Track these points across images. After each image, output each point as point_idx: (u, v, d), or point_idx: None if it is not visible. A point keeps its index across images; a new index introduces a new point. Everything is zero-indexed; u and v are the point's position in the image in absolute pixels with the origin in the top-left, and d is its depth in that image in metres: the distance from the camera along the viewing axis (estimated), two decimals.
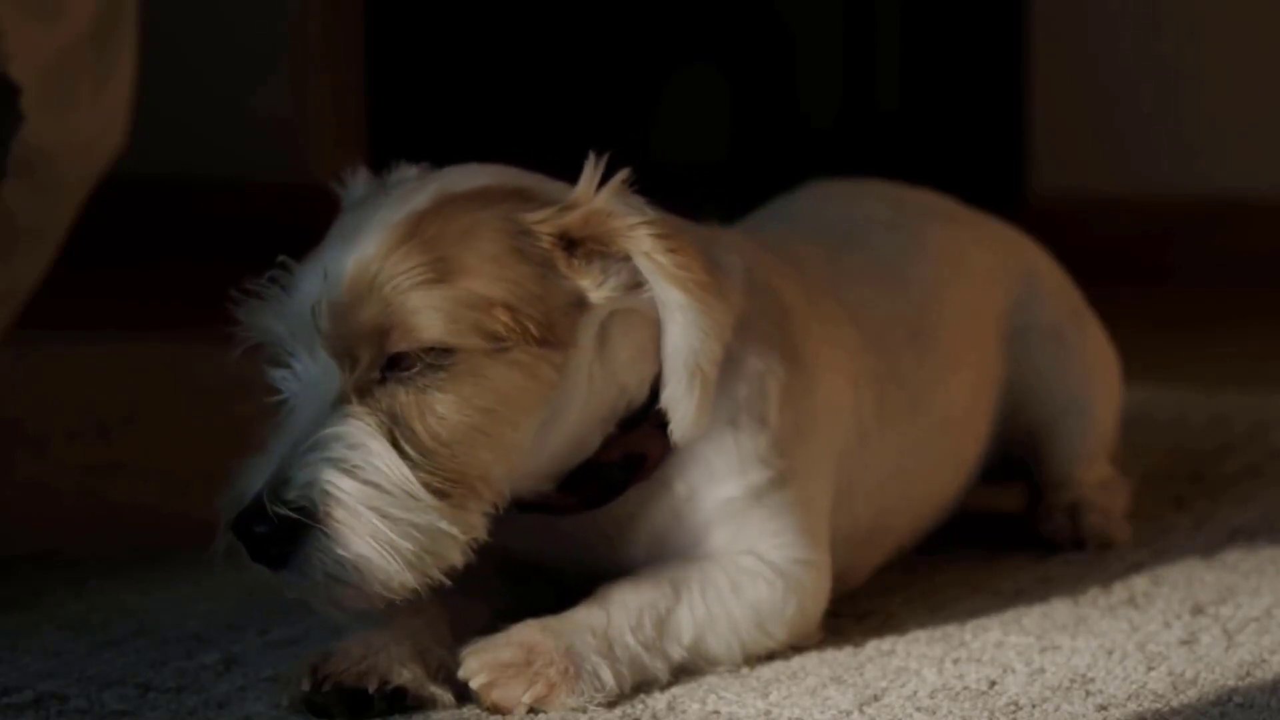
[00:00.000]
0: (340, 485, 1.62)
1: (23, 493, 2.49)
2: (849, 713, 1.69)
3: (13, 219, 2.16)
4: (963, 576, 2.09)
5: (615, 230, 1.71)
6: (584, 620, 1.72)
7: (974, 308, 2.16)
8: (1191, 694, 1.73)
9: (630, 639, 1.72)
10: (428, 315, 1.65)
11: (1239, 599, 2.00)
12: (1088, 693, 1.74)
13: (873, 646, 1.86)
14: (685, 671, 1.77)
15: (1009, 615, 1.96)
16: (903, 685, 1.76)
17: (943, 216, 2.25)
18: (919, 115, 4.69)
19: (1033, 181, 4.48)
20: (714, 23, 4.76)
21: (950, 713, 1.69)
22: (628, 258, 1.71)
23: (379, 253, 1.67)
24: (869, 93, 4.72)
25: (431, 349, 1.66)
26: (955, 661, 1.82)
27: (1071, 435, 2.24)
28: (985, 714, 1.69)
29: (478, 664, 1.68)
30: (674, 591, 1.76)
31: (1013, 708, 1.70)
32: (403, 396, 1.66)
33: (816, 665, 1.80)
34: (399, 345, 1.66)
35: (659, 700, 1.72)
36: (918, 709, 1.70)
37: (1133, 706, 1.70)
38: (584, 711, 1.68)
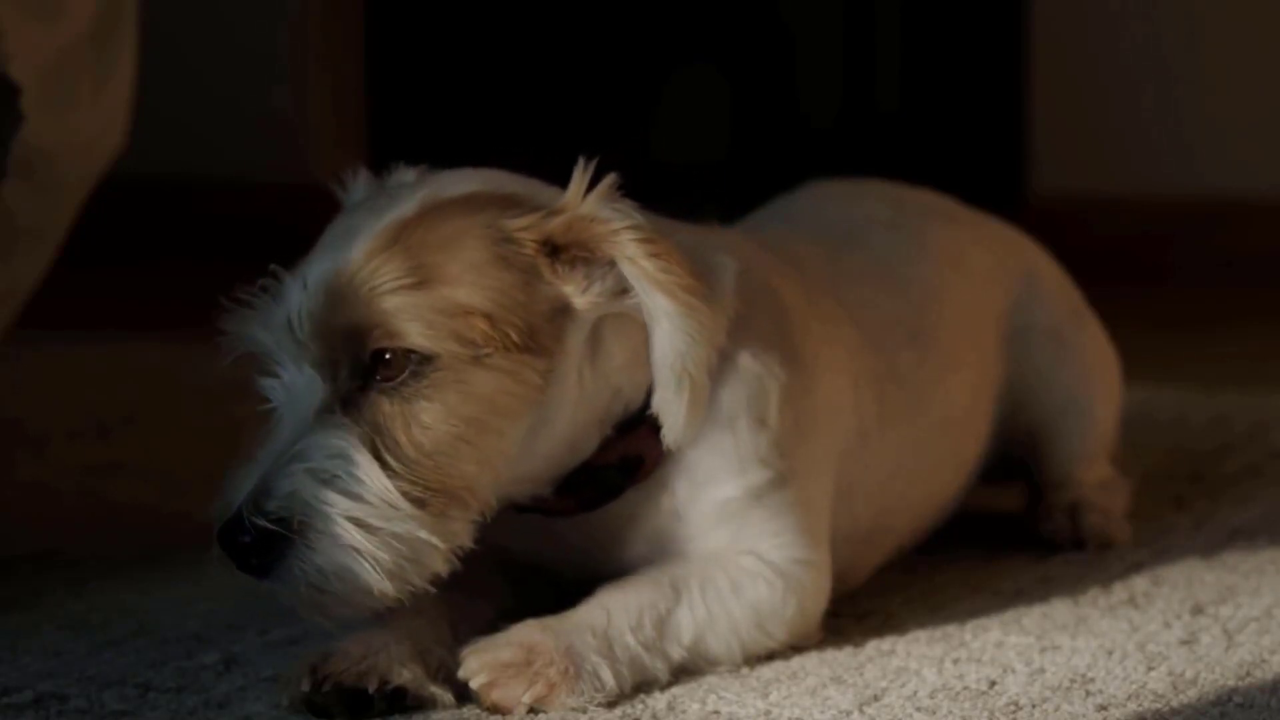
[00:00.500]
0: (320, 496, 1.63)
1: (23, 493, 2.49)
2: (849, 713, 1.69)
3: (13, 219, 2.16)
4: (963, 576, 2.09)
5: (599, 236, 1.70)
6: (584, 620, 1.72)
7: (974, 308, 2.16)
8: (1191, 694, 1.73)
9: (630, 639, 1.72)
10: (405, 321, 1.66)
11: (1239, 599, 2.00)
12: (1088, 693, 1.74)
13: (873, 646, 1.86)
14: (685, 671, 1.77)
15: (1009, 615, 1.96)
16: (903, 685, 1.76)
17: (943, 216, 2.25)
18: (919, 115, 4.69)
19: (1033, 181, 4.48)
20: (714, 23, 4.77)
21: (950, 713, 1.69)
22: (613, 263, 1.71)
23: (359, 260, 1.68)
24: (869, 93, 4.72)
25: (412, 356, 1.66)
26: (955, 661, 1.82)
27: (1071, 435, 2.24)
28: (985, 714, 1.69)
29: (478, 664, 1.68)
30: (674, 592, 1.76)
31: (1013, 708, 1.70)
32: (386, 406, 1.67)
33: (816, 665, 1.80)
34: (376, 351, 1.66)
35: (659, 700, 1.72)
36: (918, 709, 1.70)
37: (1133, 706, 1.70)
38: (584, 711, 1.68)
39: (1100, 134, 4.45)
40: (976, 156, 4.58)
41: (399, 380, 1.66)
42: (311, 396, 1.68)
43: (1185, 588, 2.04)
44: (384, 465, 1.65)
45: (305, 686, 1.67)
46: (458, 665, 1.70)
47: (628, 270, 1.70)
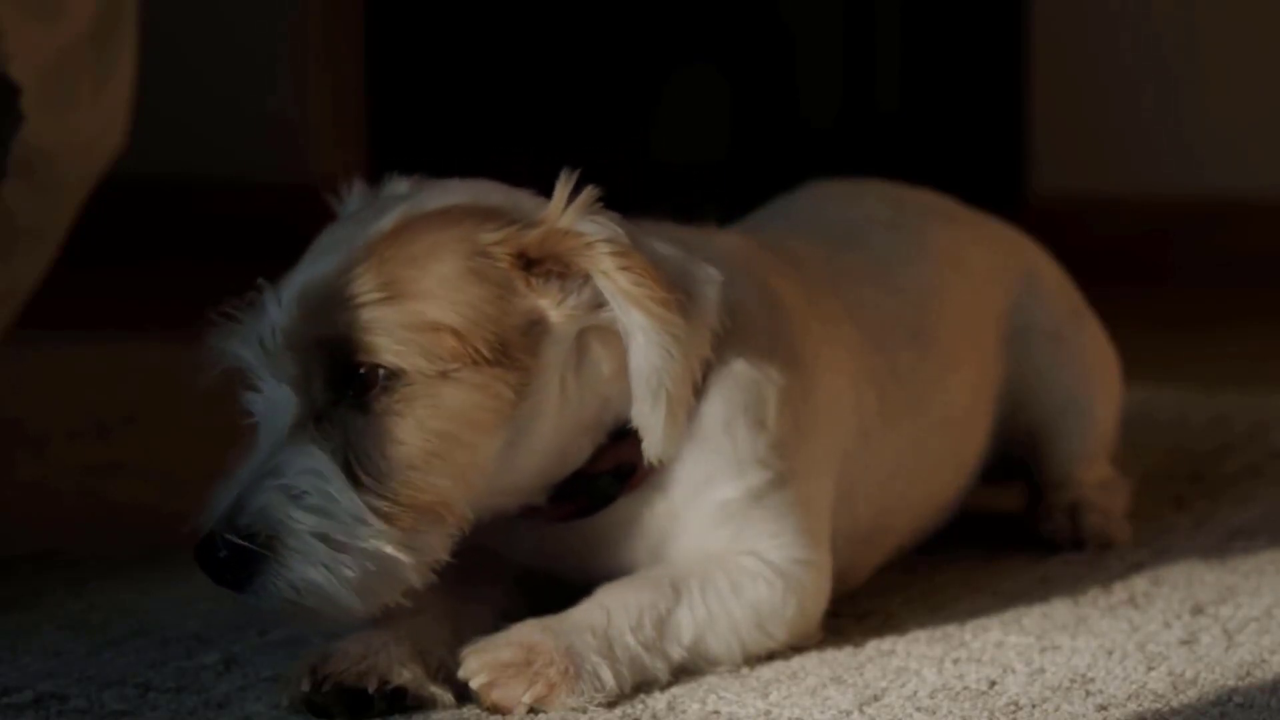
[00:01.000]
0: (290, 513, 1.64)
1: (23, 493, 2.49)
2: (849, 713, 1.69)
3: (13, 219, 2.16)
4: (963, 576, 2.09)
5: (573, 249, 1.70)
6: (584, 620, 1.72)
7: (974, 307, 2.16)
8: (1191, 694, 1.73)
9: (630, 639, 1.72)
10: (374, 337, 1.66)
11: (1239, 599, 2.00)
12: (1088, 693, 1.74)
13: (873, 646, 1.86)
14: (685, 671, 1.77)
15: (1009, 615, 1.96)
16: (903, 685, 1.76)
17: (943, 216, 2.25)
18: (919, 115, 4.69)
19: (1033, 181, 4.48)
20: (714, 23, 4.77)
21: (950, 713, 1.69)
22: (589, 276, 1.71)
23: (332, 274, 1.69)
24: (869, 93, 4.72)
25: (383, 371, 1.66)
26: (955, 661, 1.82)
27: (1071, 435, 2.24)
28: (985, 714, 1.69)
29: (478, 664, 1.68)
30: (674, 592, 1.76)
31: (1013, 708, 1.70)
32: (359, 421, 1.67)
33: (816, 665, 1.80)
34: (347, 366, 1.67)
35: (659, 700, 1.72)
36: (918, 709, 1.70)
37: (1133, 706, 1.70)
38: (584, 711, 1.68)
39: (1100, 134, 4.45)
40: (976, 156, 4.58)
41: (371, 395, 1.67)
42: (287, 411, 1.69)
43: (1185, 588, 2.04)
44: (355, 481, 1.66)
45: (305, 686, 1.67)
46: (458, 665, 1.70)
47: (602, 284, 1.70)
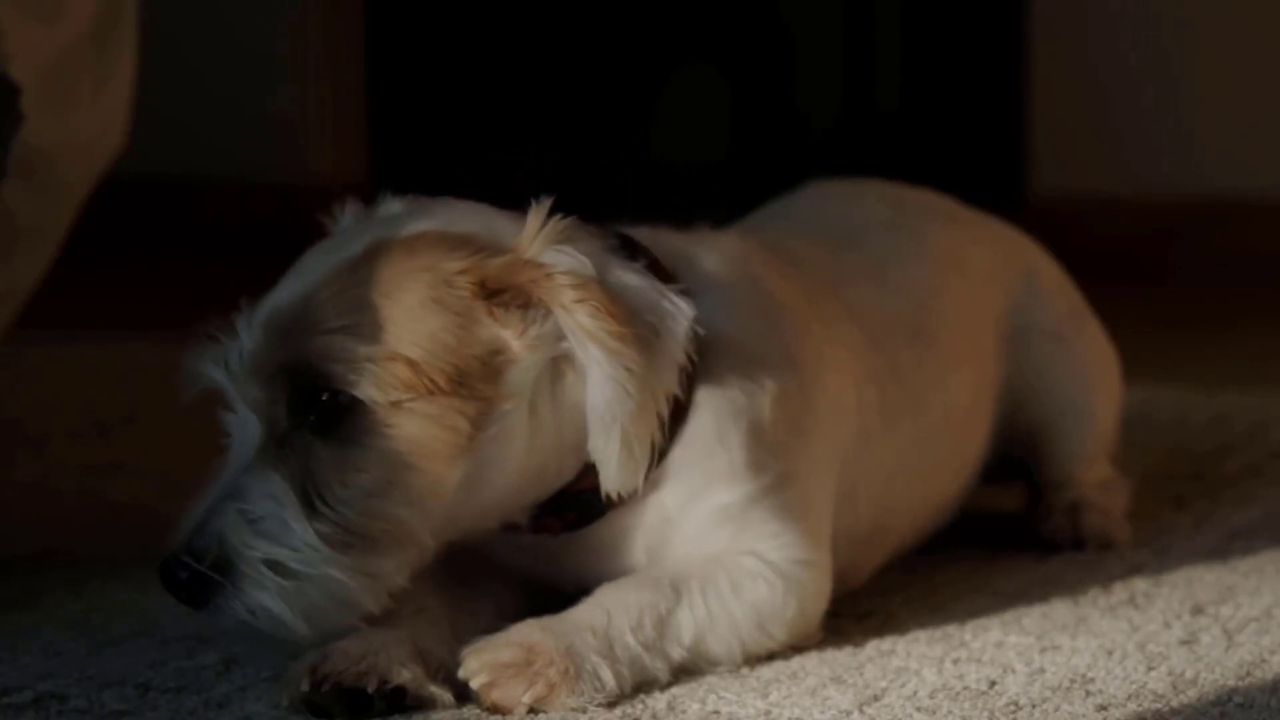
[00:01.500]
0: (245, 539, 1.67)
1: (23, 493, 2.49)
2: (849, 713, 1.69)
3: (13, 219, 2.16)
4: (963, 576, 2.09)
5: (533, 280, 1.70)
6: (584, 620, 1.72)
7: (974, 307, 2.16)
8: (1191, 694, 1.73)
9: (630, 639, 1.72)
10: (332, 365, 1.67)
11: (1239, 599, 2.00)
12: (1088, 693, 1.74)
13: (873, 646, 1.86)
14: (685, 671, 1.77)
15: (1009, 615, 1.96)
16: (903, 685, 1.76)
17: (943, 216, 2.25)
18: (919, 115, 4.69)
19: (1033, 181, 4.47)
20: (714, 23, 4.77)
21: (950, 713, 1.69)
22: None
23: (298, 300, 1.70)
24: (869, 93, 4.72)
25: (342, 398, 1.67)
26: (955, 661, 1.82)
27: (1071, 435, 2.24)
28: (985, 714, 1.69)
29: (478, 664, 1.68)
30: (674, 592, 1.76)
31: (1013, 708, 1.70)
32: (319, 448, 1.69)
33: (816, 665, 1.80)
34: (309, 392, 1.68)
35: (659, 700, 1.72)
36: (918, 709, 1.70)
37: (1133, 706, 1.70)
38: (584, 711, 1.68)
39: (1100, 134, 4.44)
40: (976, 156, 4.58)
41: (331, 423, 1.68)
42: (253, 435, 1.70)
43: (1185, 588, 2.04)
44: (312, 508, 1.68)
45: (305, 686, 1.67)
46: (458, 665, 1.70)
47: (560, 317, 1.69)
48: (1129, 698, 1.72)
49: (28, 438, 2.76)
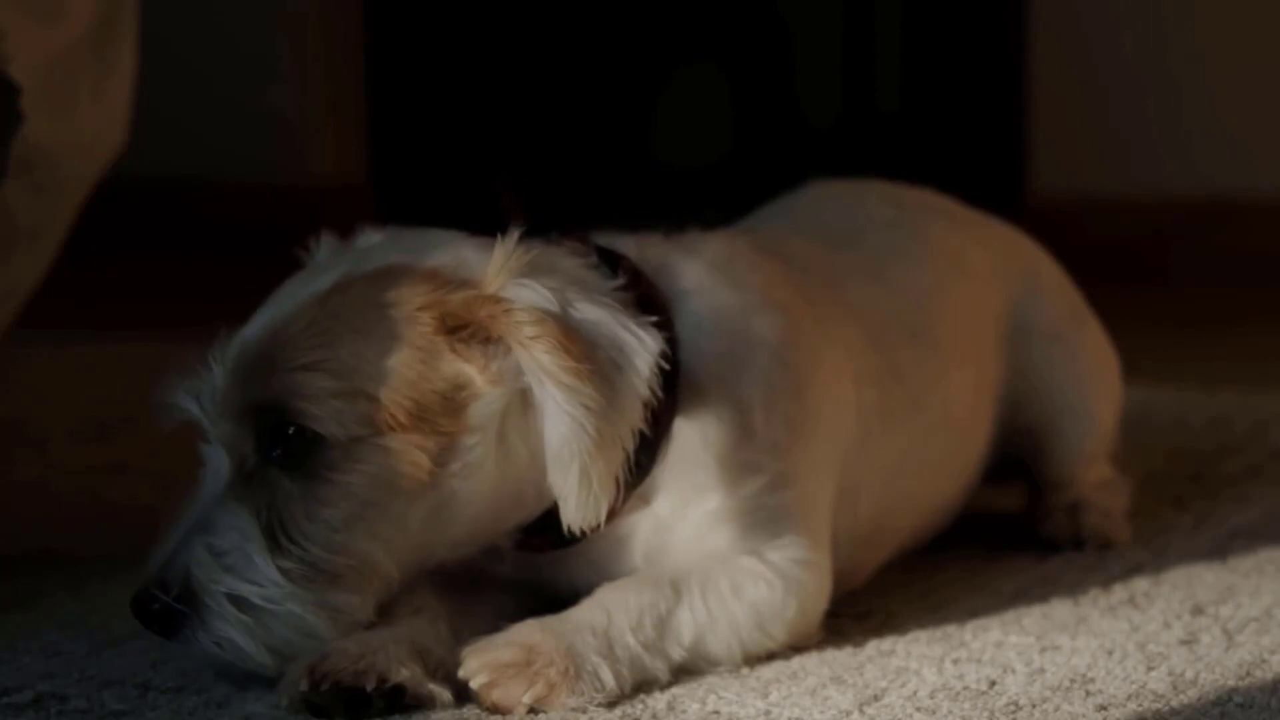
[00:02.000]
0: (210, 573, 1.70)
1: (23, 493, 2.49)
2: (849, 713, 1.69)
3: (13, 219, 2.16)
4: (963, 576, 2.09)
5: (492, 317, 1.70)
6: (584, 620, 1.72)
7: (974, 307, 2.16)
8: (1191, 694, 1.73)
9: (630, 639, 1.72)
10: (296, 401, 1.69)
11: (1239, 599, 2.00)
12: (1088, 693, 1.74)
13: (873, 646, 1.86)
14: (685, 671, 1.77)
15: (1009, 615, 1.96)
16: (903, 685, 1.76)
17: (943, 216, 2.25)
18: (919, 115, 4.69)
19: (1033, 181, 4.47)
20: (714, 23, 4.76)
21: (950, 713, 1.69)
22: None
23: (267, 336, 1.72)
24: (869, 93, 4.71)
25: (307, 434, 1.69)
26: (955, 661, 1.82)
27: (1071, 435, 2.24)
28: (985, 714, 1.69)
29: (478, 664, 1.68)
30: (674, 592, 1.76)
31: (1013, 708, 1.70)
32: (285, 483, 1.70)
33: (816, 665, 1.80)
34: (275, 428, 1.69)
35: (659, 700, 1.72)
36: (918, 709, 1.70)
37: (1133, 706, 1.70)
38: (584, 711, 1.68)
39: (1100, 134, 4.44)
40: (976, 156, 4.58)
41: (297, 458, 1.70)
42: (222, 468, 1.73)
43: (1185, 588, 2.04)
44: (276, 542, 1.69)
45: (304, 686, 1.67)
46: (457, 665, 1.70)
47: (518, 354, 1.69)
48: (1129, 698, 1.72)
49: (28, 438, 2.76)
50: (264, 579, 1.69)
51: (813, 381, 1.87)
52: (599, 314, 1.73)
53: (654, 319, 1.76)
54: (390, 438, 1.69)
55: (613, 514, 1.75)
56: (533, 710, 1.68)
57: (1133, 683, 1.76)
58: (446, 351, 1.71)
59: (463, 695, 1.70)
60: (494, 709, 1.68)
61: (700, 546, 1.81)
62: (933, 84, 4.69)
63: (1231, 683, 1.76)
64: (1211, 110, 4.36)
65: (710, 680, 1.76)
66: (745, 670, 1.79)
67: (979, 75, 4.63)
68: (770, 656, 1.81)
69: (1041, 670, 1.80)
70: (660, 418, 1.76)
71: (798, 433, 1.84)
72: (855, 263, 2.08)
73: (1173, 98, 4.39)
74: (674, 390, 1.78)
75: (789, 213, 2.23)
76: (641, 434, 1.72)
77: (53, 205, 2.23)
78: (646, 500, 1.80)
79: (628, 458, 1.71)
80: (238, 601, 1.69)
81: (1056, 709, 1.70)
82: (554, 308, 1.70)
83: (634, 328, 1.73)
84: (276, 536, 1.69)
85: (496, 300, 1.70)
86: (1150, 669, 1.79)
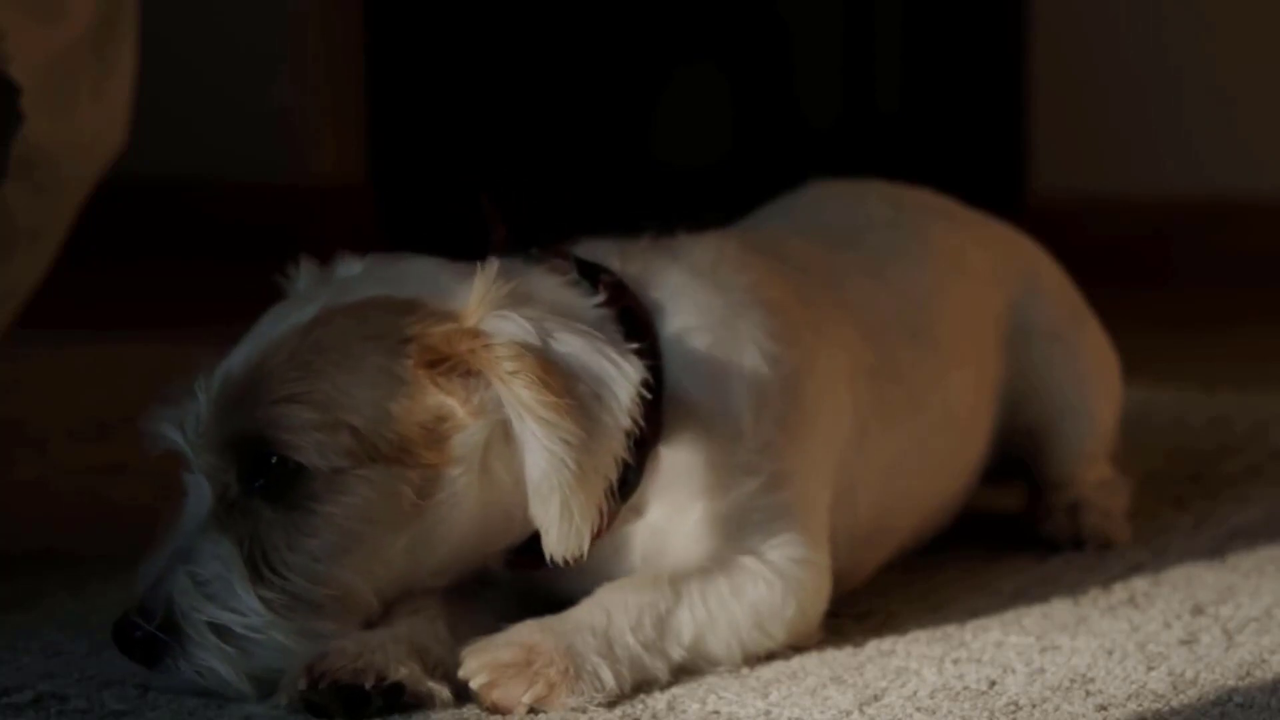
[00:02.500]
0: (192, 603, 1.70)
1: (23, 493, 2.49)
2: (849, 713, 1.69)
3: (13, 219, 2.16)
4: (963, 576, 2.09)
5: (471, 350, 1.70)
6: (584, 620, 1.72)
7: (974, 307, 2.16)
8: (1191, 694, 1.73)
9: (630, 639, 1.72)
10: (277, 433, 1.69)
11: (1239, 599, 2.00)
12: (1088, 693, 1.74)
13: (873, 646, 1.86)
14: (685, 671, 1.77)
15: (1009, 615, 1.96)
16: (903, 685, 1.76)
17: (943, 216, 2.25)
18: (919, 116, 4.69)
19: (1033, 181, 4.47)
20: (714, 23, 4.76)
21: (950, 713, 1.69)
22: None
23: (249, 367, 1.72)
24: (869, 93, 4.71)
25: (289, 465, 1.69)
26: (955, 661, 1.82)
27: (1071, 435, 2.24)
28: (985, 714, 1.69)
29: (477, 664, 1.68)
30: (674, 592, 1.76)
31: (1013, 708, 1.70)
32: (267, 513, 1.71)
33: (816, 665, 1.80)
34: (258, 459, 1.70)
35: (659, 700, 1.72)
36: (918, 709, 1.70)
37: (1133, 706, 1.70)
38: (584, 711, 1.68)
39: (1100, 134, 4.44)
40: (976, 156, 4.58)
41: (279, 488, 1.70)
42: (204, 498, 1.73)
43: (1185, 588, 2.04)
44: (258, 572, 1.70)
45: (302, 685, 1.67)
46: (455, 664, 1.70)
47: (498, 388, 1.70)
48: (1129, 698, 1.72)
49: (28, 438, 2.75)
50: (246, 608, 1.69)
51: (807, 380, 1.87)
52: (579, 344, 1.72)
53: (635, 345, 1.76)
54: (372, 469, 1.70)
55: (603, 530, 1.75)
56: (532, 710, 1.68)
57: (1133, 683, 1.76)
58: (428, 384, 1.71)
59: (462, 694, 1.70)
60: (494, 709, 1.68)
61: (698, 548, 1.81)
62: (933, 84, 4.69)
63: (1231, 683, 1.75)
64: (1212, 110, 4.36)
65: (710, 680, 1.76)
66: (745, 670, 1.79)
67: (979, 75, 4.63)
68: (770, 656, 1.81)
69: (1041, 670, 1.80)
70: (646, 435, 1.76)
71: (791, 432, 1.84)
72: (855, 263, 2.08)
73: (1173, 98, 4.39)
74: (659, 405, 1.78)
75: (789, 213, 2.23)
76: (626, 454, 1.72)
77: (53, 205, 2.23)
78: (639, 512, 1.80)
79: (610, 485, 1.71)
80: (219, 630, 1.69)
81: (1056, 709, 1.70)
82: (533, 340, 1.70)
83: (614, 356, 1.73)
84: (258, 566, 1.70)
85: (476, 334, 1.70)
86: (1150, 669, 1.79)
